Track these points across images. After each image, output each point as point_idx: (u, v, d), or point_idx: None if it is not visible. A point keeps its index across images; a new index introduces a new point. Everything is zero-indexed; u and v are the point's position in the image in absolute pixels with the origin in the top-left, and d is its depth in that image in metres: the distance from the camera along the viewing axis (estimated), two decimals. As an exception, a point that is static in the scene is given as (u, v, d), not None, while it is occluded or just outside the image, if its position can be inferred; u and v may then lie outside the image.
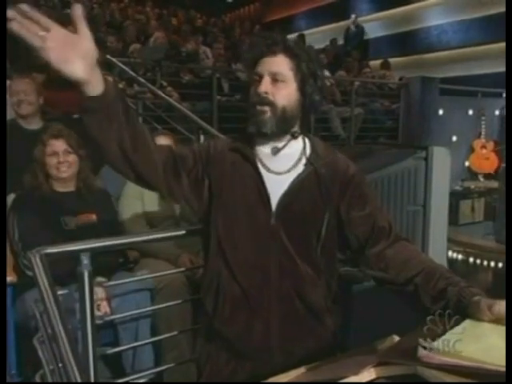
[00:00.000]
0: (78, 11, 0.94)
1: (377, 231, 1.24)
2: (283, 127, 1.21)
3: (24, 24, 0.91)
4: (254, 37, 1.30)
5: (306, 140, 1.28)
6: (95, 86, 1.02)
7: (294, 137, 1.24)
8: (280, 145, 1.23)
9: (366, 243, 1.24)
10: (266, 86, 1.18)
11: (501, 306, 0.98)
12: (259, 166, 1.22)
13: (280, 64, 1.19)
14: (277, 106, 1.18)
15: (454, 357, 0.86)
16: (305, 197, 1.21)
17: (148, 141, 1.16)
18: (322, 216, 1.21)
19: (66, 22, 0.98)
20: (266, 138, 1.22)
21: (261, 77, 1.19)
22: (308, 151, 1.26)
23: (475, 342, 0.92)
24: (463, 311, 1.03)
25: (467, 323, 0.99)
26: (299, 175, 1.21)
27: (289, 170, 1.22)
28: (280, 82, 1.18)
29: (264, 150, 1.24)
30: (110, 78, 1.11)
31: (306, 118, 1.27)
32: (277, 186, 1.20)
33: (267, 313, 1.19)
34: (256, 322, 1.19)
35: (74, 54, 0.96)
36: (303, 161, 1.24)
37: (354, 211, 1.24)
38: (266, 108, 1.18)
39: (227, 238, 1.21)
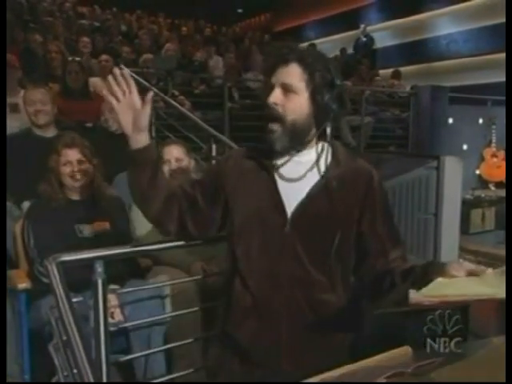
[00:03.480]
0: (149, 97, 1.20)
1: (383, 250, 1.24)
2: (296, 140, 1.20)
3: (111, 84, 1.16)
4: (270, 46, 1.37)
5: (326, 147, 1.25)
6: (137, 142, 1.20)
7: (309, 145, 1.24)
8: (298, 154, 1.23)
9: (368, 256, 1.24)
10: (275, 96, 1.17)
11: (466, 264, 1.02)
12: (274, 173, 1.22)
13: (291, 74, 1.17)
14: (286, 120, 1.17)
15: (440, 297, 0.93)
16: (322, 205, 1.20)
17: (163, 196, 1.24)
18: (339, 225, 1.20)
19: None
20: (290, 151, 1.22)
21: (272, 87, 1.19)
22: (328, 159, 1.24)
23: (449, 287, 0.96)
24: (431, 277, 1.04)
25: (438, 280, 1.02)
26: (317, 184, 1.20)
27: (302, 177, 1.21)
28: (291, 93, 1.17)
29: (281, 158, 1.24)
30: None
31: (322, 128, 1.22)
32: (292, 194, 1.20)
33: (277, 321, 1.19)
34: (266, 331, 1.19)
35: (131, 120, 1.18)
36: (321, 169, 1.22)
37: (376, 224, 1.23)
38: (276, 126, 1.17)
39: (240, 246, 1.22)
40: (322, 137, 1.25)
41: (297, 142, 1.21)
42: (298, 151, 1.23)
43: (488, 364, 0.99)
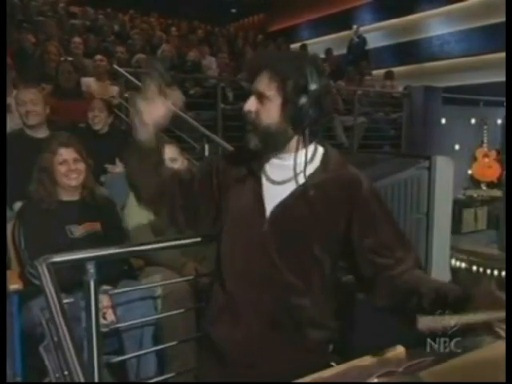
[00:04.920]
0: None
1: (394, 257, 1.18)
2: (271, 142, 1.21)
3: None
4: (247, 59, 1.52)
5: (315, 152, 1.25)
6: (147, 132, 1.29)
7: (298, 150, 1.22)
8: (280, 157, 1.24)
9: (381, 269, 1.18)
10: (249, 104, 1.21)
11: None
12: (262, 176, 1.26)
13: (263, 82, 1.19)
14: (258, 124, 1.19)
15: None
16: (300, 209, 1.19)
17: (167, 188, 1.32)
18: (318, 231, 1.19)
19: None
20: (266, 152, 1.25)
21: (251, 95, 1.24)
22: (316, 164, 1.23)
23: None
24: (463, 303, 1.01)
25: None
26: (299, 186, 1.20)
27: (287, 181, 1.22)
28: (265, 99, 1.19)
29: (268, 162, 1.26)
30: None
31: (302, 132, 1.20)
32: (275, 196, 1.22)
33: (248, 320, 1.20)
34: (238, 328, 1.21)
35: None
36: (306, 173, 1.20)
37: (366, 237, 1.19)
38: (249, 127, 1.22)
39: (224, 246, 1.27)
40: (304, 143, 1.22)
41: (272, 145, 1.22)
42: (278, 154, 1.24)
43: (481, 363, 0.99)
